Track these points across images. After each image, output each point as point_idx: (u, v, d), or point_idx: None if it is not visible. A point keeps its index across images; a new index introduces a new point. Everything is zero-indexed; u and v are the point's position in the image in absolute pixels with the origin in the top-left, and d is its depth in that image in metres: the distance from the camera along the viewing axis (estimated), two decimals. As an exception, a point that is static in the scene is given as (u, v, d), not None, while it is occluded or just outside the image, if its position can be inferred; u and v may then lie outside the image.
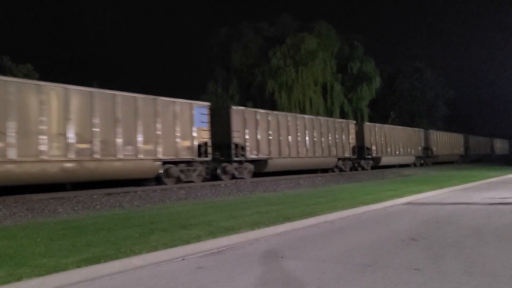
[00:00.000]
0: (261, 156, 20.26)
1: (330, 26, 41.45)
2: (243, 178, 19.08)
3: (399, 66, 56.59)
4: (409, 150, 35.28)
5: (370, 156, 29.75)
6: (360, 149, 28.92)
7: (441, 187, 14.52)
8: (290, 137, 22.12)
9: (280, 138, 21.44)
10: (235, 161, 18.99)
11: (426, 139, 38.38)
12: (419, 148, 37.15)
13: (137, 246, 5.48)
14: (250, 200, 11.27)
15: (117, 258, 4.93)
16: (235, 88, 40.02)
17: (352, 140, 27.71)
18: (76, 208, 10.21)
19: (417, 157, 36.87)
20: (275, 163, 21.04)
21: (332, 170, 26.08)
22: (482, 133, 60.05)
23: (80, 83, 14.11)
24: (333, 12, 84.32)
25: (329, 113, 37.87)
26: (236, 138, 18.91)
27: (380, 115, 48.48)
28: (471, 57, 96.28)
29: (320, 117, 27.19)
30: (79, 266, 4.57)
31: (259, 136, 20.12)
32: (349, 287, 3.91)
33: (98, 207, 10.44)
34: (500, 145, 62.60)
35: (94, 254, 5.09)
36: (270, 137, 20.86)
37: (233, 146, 18.77)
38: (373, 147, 30.01)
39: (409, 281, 4.02)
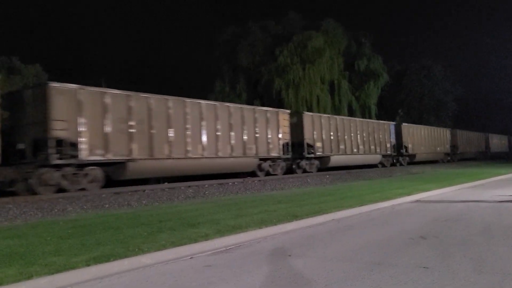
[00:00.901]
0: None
1: (337, 24, 41.33)
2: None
3: (407, 63, 56.30)
4: (374, 147, 29.77)
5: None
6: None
7: (449, 184, 14.41)
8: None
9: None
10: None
11: (399, 134, 32.48)
12: (388, 145, 31.22)
13: (146, 245, 5.51)
14: (258, 199, 11.28)
15: (126, 256, 4.97)
16: (242, 86, 40.06)
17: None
18: (85, 207, 10.29)
19: (385, 156, 30.85)
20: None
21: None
22: (496, 131, 59.04)
23: (88, 83, 14.27)
24: (340, 9, 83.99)
25: (336, 111, 37.78)
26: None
27: (388, 112, 48.25)
28: (481, 53, 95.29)
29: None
30: (88, 265, 4.61)
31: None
32: (357, 286, 3.90)
33: (106, 206, 10.51)
34: (497, 141, 56.07)
35: (103, 252, 5.12)
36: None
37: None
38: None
39: (418, 280, 4.00)
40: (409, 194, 11.53)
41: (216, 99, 27.05)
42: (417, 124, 37.66)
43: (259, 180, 17.62)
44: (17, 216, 8.89)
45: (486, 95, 70.28)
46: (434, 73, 54.35)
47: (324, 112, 33.78)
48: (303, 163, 22.72)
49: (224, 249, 5.63)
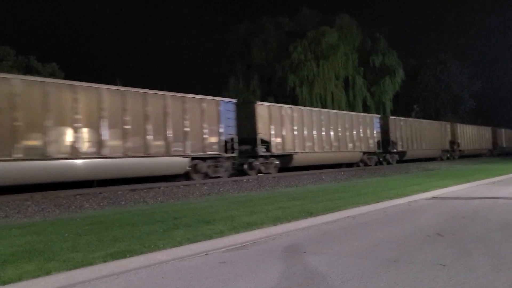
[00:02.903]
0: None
1: (352, 19, 41.05)
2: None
3: (423, 58, 55.62)
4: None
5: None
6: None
7: (467, 181, 14.21)
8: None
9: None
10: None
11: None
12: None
13: (161, 241, 5.55)
14: (273, 195, 11.28)
15: (142, 253, 5.02)
16: (256, 83, 40.06)
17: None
18: (101, 204, 10.42)
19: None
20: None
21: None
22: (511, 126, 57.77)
23: (105, 81, 14.43)
24: (354, 4, 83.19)
25: (351, 107, 37.55)
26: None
27: (403, 108, 47.73)
28: (499, 47, 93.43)
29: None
30: (105, 261, 4.67)
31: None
32: (373, 283, 3.87)
33: (123, 203, 10.63)
34: (507, 136, 54.17)
35: (119, 249, 5.18)
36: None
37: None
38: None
39: (435, 277, 3.95)
40: (425, 190, 11.40)
41: (230, 96, 26.98)
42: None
43: (274, 177, 17.60)
44: (35, 213, 9.07)
45: (506, 89, 68.95)
46: (450, 68, 53.54)
47: (339, 109, 33.58)
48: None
49: (239, 245, 5.64)
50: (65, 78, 25.45)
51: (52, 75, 30.77)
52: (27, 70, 30.83)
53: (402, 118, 32.40)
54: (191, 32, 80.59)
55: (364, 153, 26.29)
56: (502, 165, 25.42)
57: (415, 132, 32.16)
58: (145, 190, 12.85)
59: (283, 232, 6.43)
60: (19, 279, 4.06)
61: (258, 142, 19.19)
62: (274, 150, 19.88)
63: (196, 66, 67.27)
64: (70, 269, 4.38)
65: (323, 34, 37.93)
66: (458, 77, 54.17)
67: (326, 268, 4.38)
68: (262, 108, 19.84)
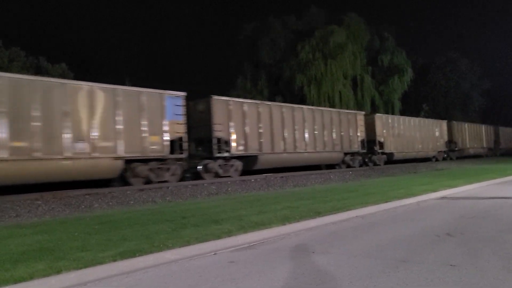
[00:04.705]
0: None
1: (360, 18, 40.87)
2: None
3: (432, 57, 55.19)
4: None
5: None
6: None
7: (477, 180, 14.09)
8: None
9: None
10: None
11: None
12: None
13: (170, 241, 5.58)
14: (280, 195, 11.27)
15: (151, 252, 5.05)
16: (264, 83, 40.04)
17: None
18: (110, 203, 10.49)
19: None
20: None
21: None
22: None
23: (111, 80, 14.48)
24: (362, 3, 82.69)
25: (359, 106, 37.38)
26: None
27: (412, 107, 47.43)
28: (509, 46, 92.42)
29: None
30: (115, 260, 4.70)
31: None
32: (382, 283, 3.85)
33: (131, 202, 10.69)
34: (509, 135, 51.41)
35: (129, 248, 5.22)
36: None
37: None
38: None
39: (445, 277, 3.93)
40: (434, 190, 11.33)
41: (238, 96, 27.00)
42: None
43: (281, 177, 17.55)
44: (45, 212, 9.15)
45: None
46: (460, 66, 53.07)
47: (347, 108, 33.43)
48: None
49: (248, 245, 5.65)
50: (74, 78, 25.61)
51: (61, 75, 31.03)
52: (37, 70, 31.12)
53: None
54: (198, 32, 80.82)
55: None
56: (509, 165, 25.16)
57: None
58: (153, 190, 12.91)
59: (291, 232, 6.43)
60: (31, 277, 4.11)
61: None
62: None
63: (203, 66, 67.40)
64: (80, 268, 4.41)
65: (331, 33, 37.79)
66: (468, 75, 53.69)
67: (335, 268, 4.37)
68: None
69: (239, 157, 18.39)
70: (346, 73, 38.36)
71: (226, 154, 17.67)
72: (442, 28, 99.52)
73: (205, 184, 14.54)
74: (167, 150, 15.30)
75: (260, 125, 19.24)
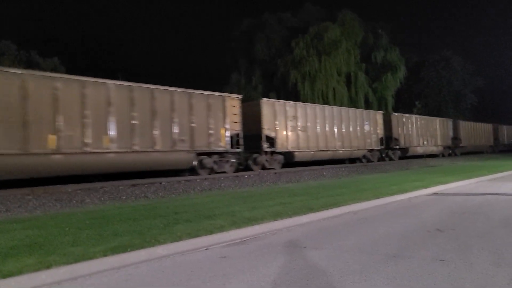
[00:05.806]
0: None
1: (354, 15, 40.90)
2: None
3: (425, 55, 55.38)
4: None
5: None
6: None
7: (468, 177, 14.19)
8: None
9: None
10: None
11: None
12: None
13: (162, 236, 5.57)
14: (274, 191, 11.28)
15: (142, 247, 5.03)
16: (258, 79, 40.01)
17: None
18: (102, 198, 10.44)
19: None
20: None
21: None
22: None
23: (104, 75, 14.41)
24: (357, 0, 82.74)
25: (353, 103, 37.46)
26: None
27: (405, 104, 47.64)
28: (502, 43, 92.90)
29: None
30: (106, 255, 4.68)
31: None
32: (373, 278, 3.88)
33: (124, 197, 10.65)
34: (508, 133, 51.67)
35: (120, 243, 5.20)
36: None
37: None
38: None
39: (435, 272, 3.96)
40: (426, 186, 11.39)
41: (231, 92, 26.92)
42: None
43: (275, 173, 17.60)
44: (36, 207, 9.08)
45: (507, 86, 68.68)
46: (452, 64, 53.32)
47: (341, 105, 33.54)
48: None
49: (240, 240, 5.66)
50: (66, 73, 25.40)
51: (53, 69, 30.79)
52: (29, 64, 30.86)
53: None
54: (193, 28, 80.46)
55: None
56: (503, 161, 25.38)
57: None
58: (146, 185, 12.87)
59: (283, 228, 6.44)
60: (20, 272, 4.08)
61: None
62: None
63: (198, 62, 67.13)
64: (71, 263, 4.39)
65: (325, 29, 37.80)
66: (460, 73, 53.97)
67: (326, 263, 4.39)
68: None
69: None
70: (340, 69, 38.41)
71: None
72: (435, 26, 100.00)
73: (198, 180, 14.53)
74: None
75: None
